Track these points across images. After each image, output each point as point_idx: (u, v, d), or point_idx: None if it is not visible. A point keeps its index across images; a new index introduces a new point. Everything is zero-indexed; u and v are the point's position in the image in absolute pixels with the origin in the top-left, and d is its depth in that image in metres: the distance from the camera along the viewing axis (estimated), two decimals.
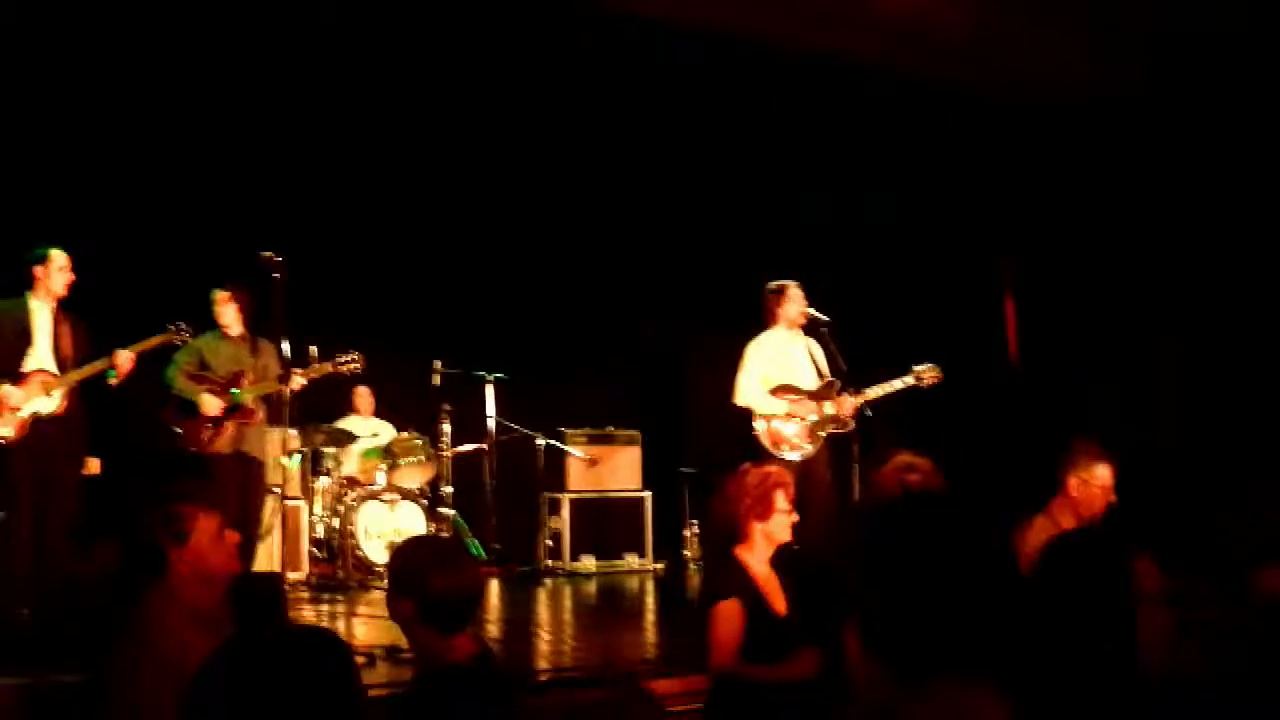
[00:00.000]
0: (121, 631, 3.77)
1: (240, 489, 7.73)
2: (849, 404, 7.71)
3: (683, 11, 8.76)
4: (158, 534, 3.77)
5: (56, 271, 6.83)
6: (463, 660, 3.31)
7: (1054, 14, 8.82)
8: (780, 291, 7.92)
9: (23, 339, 6.75)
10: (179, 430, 7.71)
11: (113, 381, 6.94)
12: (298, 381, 7.73)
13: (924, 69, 9.36)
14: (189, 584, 3.76)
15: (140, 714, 3.52)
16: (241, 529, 7.61)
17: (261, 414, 7.88)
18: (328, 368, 7.99)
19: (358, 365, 8.08)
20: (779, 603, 4.64)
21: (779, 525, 4.70)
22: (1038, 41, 9.00)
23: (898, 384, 7.78)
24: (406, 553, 3.52)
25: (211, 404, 7.65)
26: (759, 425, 7.74)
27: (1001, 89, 9.50)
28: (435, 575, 3.32)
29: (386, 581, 3.58)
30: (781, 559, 4.75)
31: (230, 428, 7.69)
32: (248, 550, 7.73)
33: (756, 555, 4.69)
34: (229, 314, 7.87)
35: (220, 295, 7.85)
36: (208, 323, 7.82)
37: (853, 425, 7.76)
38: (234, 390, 7.70)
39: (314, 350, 8.13)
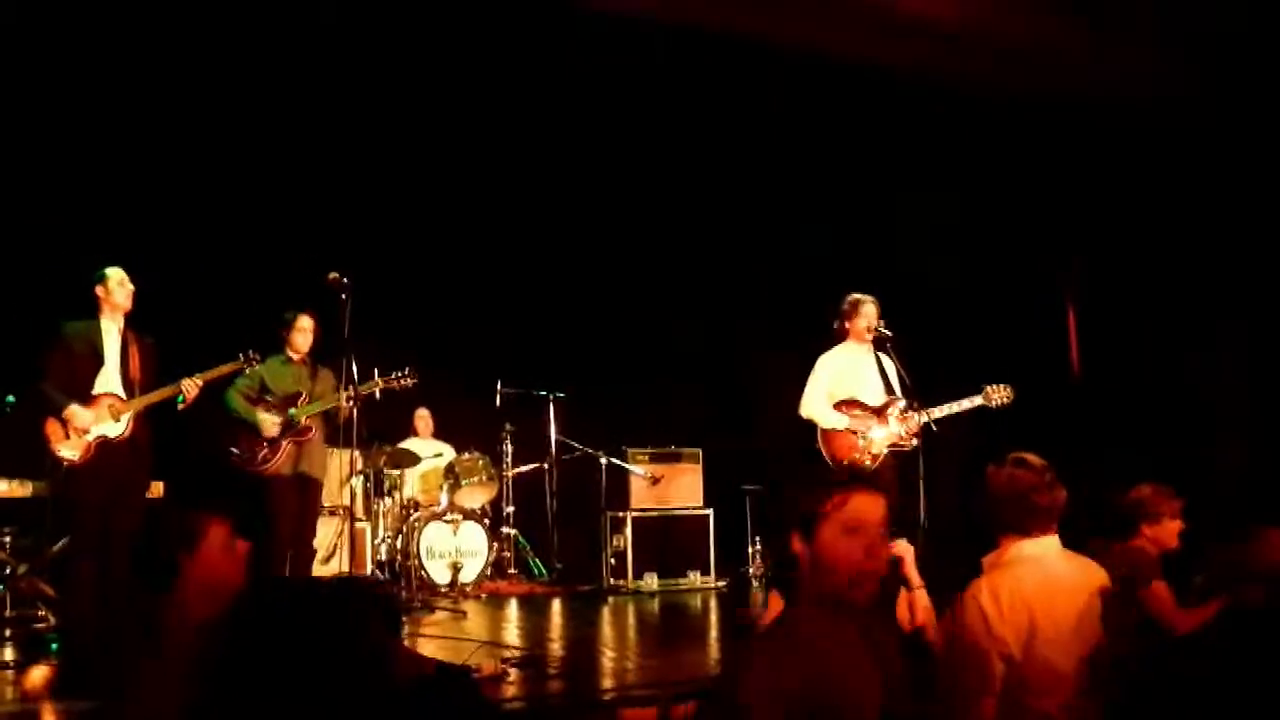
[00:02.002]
0: (132, 646, 3.72)
1: (299, 508, 7.81)
2: (913, 420, 7.64)
3: (741, 21, 8.74)
4: (170, 543, 3.68)
5: (116, 287, 6.94)
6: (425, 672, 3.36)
7: (1112, 19, 8.72)
8: (855, 305, 7.87)
9: (94, 361, 6.85)
10: (237, 452, 7.79)
11: (181, 407, 7.03)
12: (346, 397, 7.84)
13: (981, 78, 9.30)
14: (197, 594, 3.66)
15: None
16: (296, 548, 7.74)
17: (318, 432, 7.93)
18: (380, 383, 8.07)
19: (411, 381, 8.17)
20: None
21: None
22: (1096, 48, 8.90)
23: (966, 403, 7.67)
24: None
25: (269, 424, 7.75)
26: (821, 439, 7.72)
27: (1062, 96, 9.40)
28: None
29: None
30: None
31: (287, 447, 7.75)
32: (304, 568, 7.79)
33: None
34: (308, 340, 7.95)
35: (306, 322, 7.92)
36: (270, 343, 7.87)
37: (915, 442, 7.68)
38: (290, 410, 7.79)
39: (376, 373, 8.19)
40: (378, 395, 8.04)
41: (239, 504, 3.84)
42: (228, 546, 3.71)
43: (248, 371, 7.66)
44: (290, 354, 7.97)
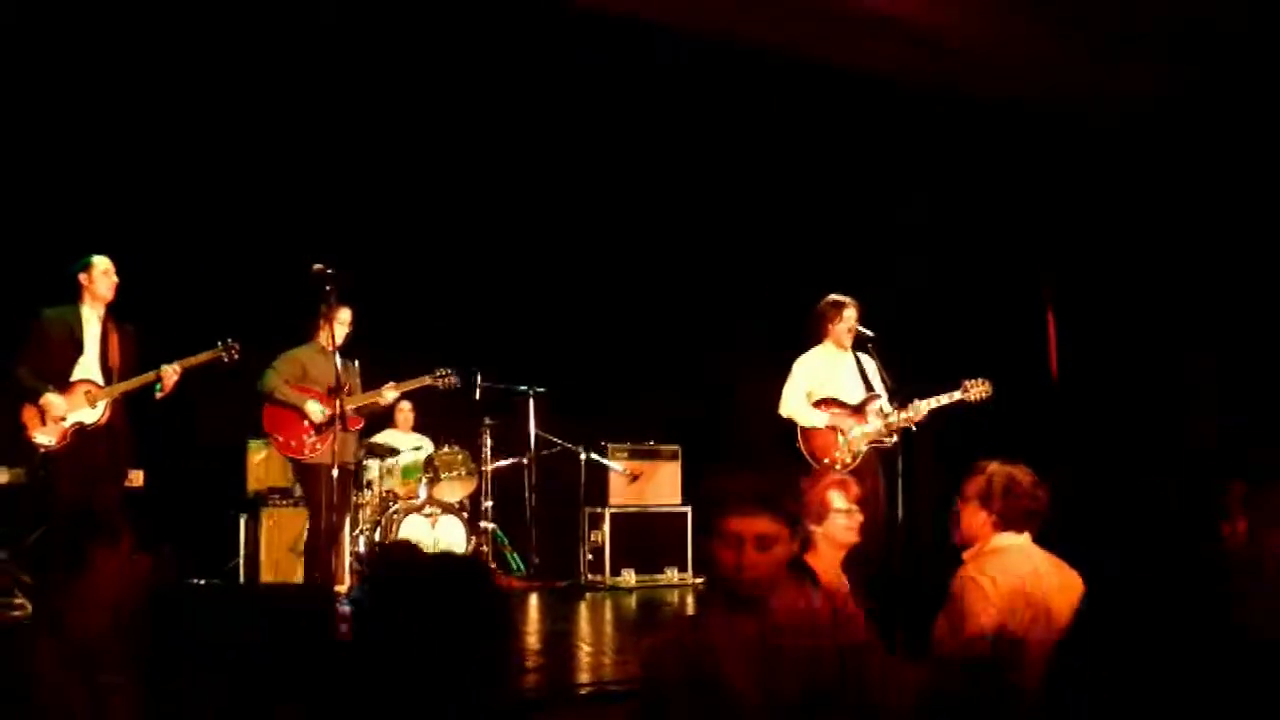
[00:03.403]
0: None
1: (340, 498, 7.77)
2: (893, 418, 7.67)
3: (729, 24, 8.75)
4: (62, 560, 3.66)
5: (100, 276, 6.88)
6: None
7: (1090, 24, 8.75)
8: (838, 308, 7.89)
9: (73, 347, 6.80)
10: (279, 438, 7.76)
11: (159, 395, 6.99)
12: (392, 394, 8.03)
13: (964, 83, 9.33)
14: (84, 610, 3.64)
15: None
16: (329, 538, 7.64)
17: (360, 423, 7.99)
18: (426, 380, 8.16)
19: (455, 380, 8.30)
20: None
21: (837, 527, 4.74)
22: (1077, 53, 8.93)
23: (944, 399, 7.71)
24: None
25: (317, 411, 7.69)
26: (801, 438, 7.74)
27: (1043, 102, 9.44)
28: None
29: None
30: (853, 561, 4.82)
31: (334, 437, 7.64)
32: (319, 559, 7.74)
33: (824, 562, 4.70)
34: (344, 332, 7.85)
35: (347, 314, 7.83)
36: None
37: (895, 440, 7.71)
38: (337, 402, 7.61)
39: (356, 364, 8.17)
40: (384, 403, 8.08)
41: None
42: (119, 572, 3.70)
43: (285, 355, 7.78)
44: (325, 344, 7.84)
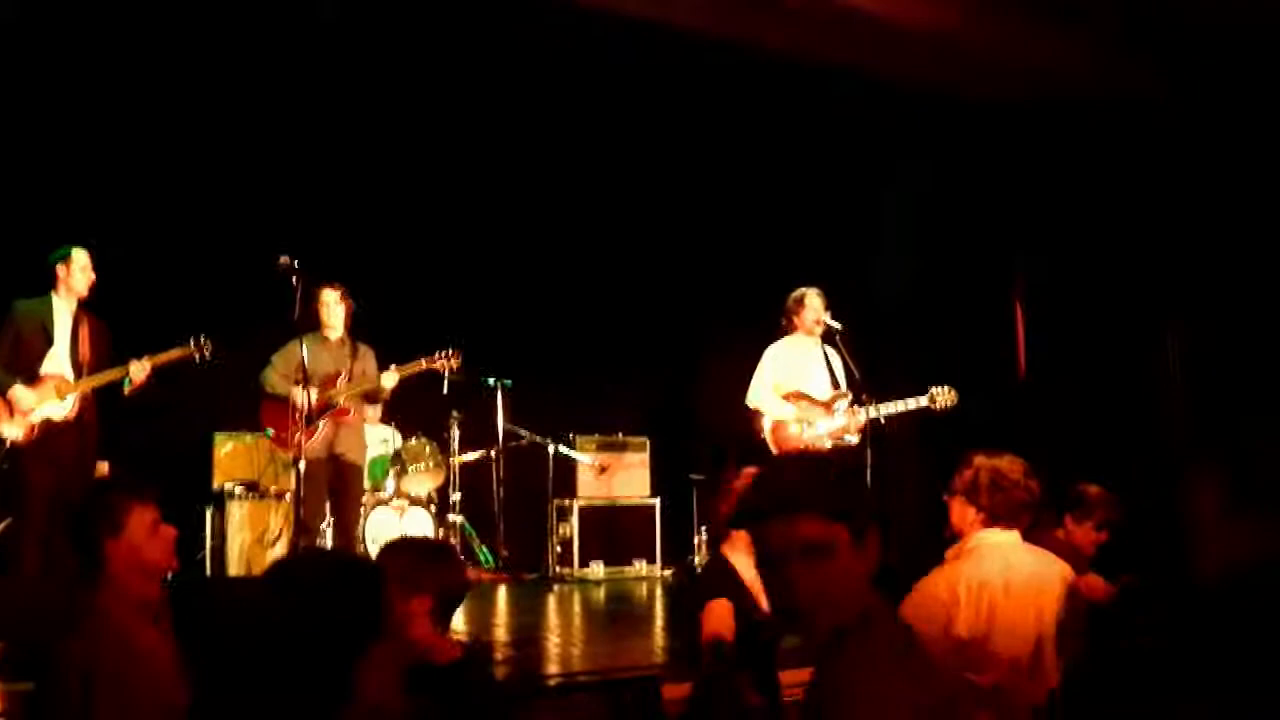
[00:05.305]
0: (64, 629, 3.72)
1: (332, 492, 7.73)
2: (859, 415, 7.72)
3: (696, 18, 8.75)
4: (94, 526, 3.70)
5: (79, 271, 6.86)
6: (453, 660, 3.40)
7: (1061, 15, 8.79)
8: (800, 298, 7.96)
9: (43, 340, 6.78)
10: (271, 430, 7.73)
11: (128, 390, 6.96)
12: (392, 379, 7.79)
13: (933, 78, 9.35)
14: (127, 576, 3.66)
15: (87, 709, 3.47)
16: (340, 536, 7.64)
17: (356, 414, 7.88)
18: (423, 363, 7.98)
19: (454, 363, 8.01)
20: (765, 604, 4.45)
21: None
22: (1046, 43, 8.96)
23: (911, 404, 7.78)
24: (418, 549, 3.56)
25: (301, 398, 7.48)
26: (766, 429, 7.78)
27: (1012, 93, 9.47)
28: (448, 570, 3.42)
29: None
30: None
31: (325, 428, 7.61)
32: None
33: (743, 556, 4.45)
34: (338, 315, 7.78)
35: (328, 295, 7.72)
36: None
37: (857, 439, 7.77)
38: (330, 392, 7.63)
39: (364, 349, 8.14)
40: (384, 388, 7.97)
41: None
42: (153, 530, 3.73)
43: (283, 348, 7.65)
44: (325, 333, 7.78)
